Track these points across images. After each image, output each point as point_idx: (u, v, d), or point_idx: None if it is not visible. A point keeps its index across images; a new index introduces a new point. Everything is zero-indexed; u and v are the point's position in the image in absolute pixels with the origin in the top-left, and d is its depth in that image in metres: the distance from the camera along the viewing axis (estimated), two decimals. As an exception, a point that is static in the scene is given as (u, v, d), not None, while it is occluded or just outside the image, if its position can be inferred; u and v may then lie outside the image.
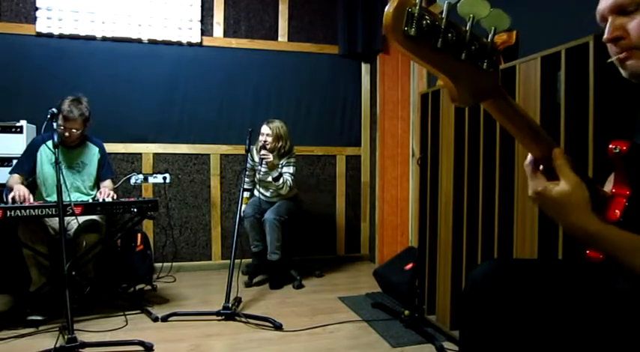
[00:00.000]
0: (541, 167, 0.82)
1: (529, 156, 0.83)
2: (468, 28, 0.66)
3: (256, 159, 3.39)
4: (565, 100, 1.61)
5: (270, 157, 3.21)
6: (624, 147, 0.85)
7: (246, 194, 3.51)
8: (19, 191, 2.51)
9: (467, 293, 0.97)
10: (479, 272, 0.97)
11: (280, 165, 3.35)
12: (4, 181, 2.94)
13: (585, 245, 0.83)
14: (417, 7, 0.61)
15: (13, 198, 2.48)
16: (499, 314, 0.89)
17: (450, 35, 0.63)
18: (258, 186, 3.53)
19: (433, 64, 0.65)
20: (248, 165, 3.41)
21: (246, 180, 3.43)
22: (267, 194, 3.51)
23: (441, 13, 0.64)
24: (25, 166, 2.77)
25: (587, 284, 0.92)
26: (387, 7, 0.61)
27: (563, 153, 0.80)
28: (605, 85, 1.49)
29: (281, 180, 3.30)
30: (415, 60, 0.64)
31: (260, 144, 3.31)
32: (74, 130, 2.75)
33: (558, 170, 0.79)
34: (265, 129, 3.31)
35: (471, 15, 0.67)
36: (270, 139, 3.28)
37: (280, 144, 3.32)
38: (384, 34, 0.62)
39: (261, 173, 3.38)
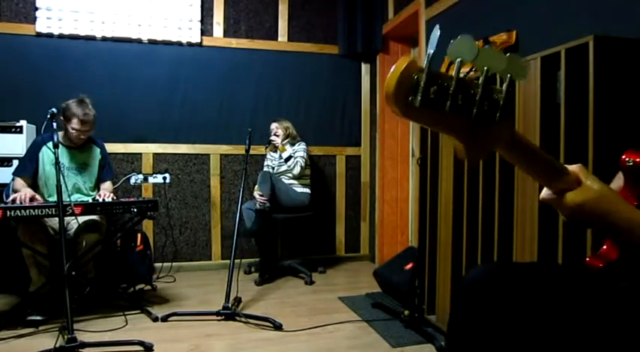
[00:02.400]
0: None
1: (544, 190, 0.80)
2: (480, 82, 0.60)
3: (272, 155, 3.78)
4: (565, 100, 1.61)
5: (278, 140, 3.64)
6: (638, 160, 0.83)
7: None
8: (23, 194, 2.51)
9: (459, 296, 0.95)
10: (473, 275, 0.95)
11: (294, 151, 3.61)
12: (3, 181, 2.94)
13: (631, 234, 0.78)
14: (424, 75, 0.55)
15: (14, 200, 2.48)
16: (491, 319, 0.88)
17: (460, 96, 0.58)
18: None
19: (439, 127, 0.61)
20: (267, 162, 3.81)
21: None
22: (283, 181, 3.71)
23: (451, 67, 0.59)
24: (29, 168, 2.77)
25: (585, 286, 0.91)
26: (390, 73, 0.56)
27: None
28: (605, 85, 1.49)
29: (292, 160, 3.56)
30: (421, 125, 0.61)
31: (272, 136, 3.70)
32: (88, 131, 2.78)
33: (579, 176, 0.77)
34: (273, 124, 3.72)
35: (486, 68, 0.61)
36: (279, 131, 3.67)
37: (288, 132, 3.70)
38: (385, 101, 0.57)
39: (275, 164, 3.70)
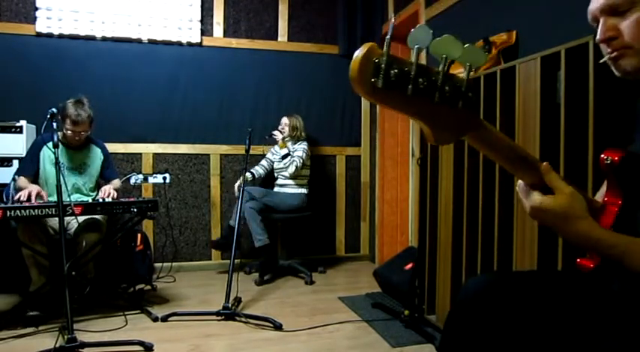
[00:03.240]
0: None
1: (520, 181, 0.83)
2: (440, 69, 0.63)
3: (276, 149, 3.76)
4: (565, 100, 1.61)
5: (279, 136, 3.62)
6: (616, 158, 0.85)
7: (249, 175, 3.68)
8: (29, 191, 2.52)
9: (456, 309, 0.96)
10: (470, 287, 0.96)
11: (293, 149, 3.59)
12: (3, 181, 2.94)
13: (588, 250, 0.83)
14: (385, 58, 0.59)
15: (20, 197, 2.50)
16: (488, 331, 0.88)
17: (420, 80, 0.61)
18: (264, 173, 3.79)
19: (405, 111, 0.63)
20: (269, 155, 3.81)
21: (255, 167, 3.77)
22: (278, 181, 3.70)
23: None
24: (30, 168, 2.78)
25: (582, 293, 0.91)
26: (354, 56, 0.59)
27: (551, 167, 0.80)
28: (604, 85, 1.49)
29: (288, 158, 3.55)
30: (386, 108, 0.63)
31: (275, 130, 3.68)
32: (82, 133, 2.77)
33: (551, 183, 0.79)
34: (284, 119, 3.70)
35: (444, 56, 0.64)
36: (287, 129, 3.65)
37: (295, 133, 3.66)
38: (352, 85, 0.60)
39: (276, 159, 3.70)
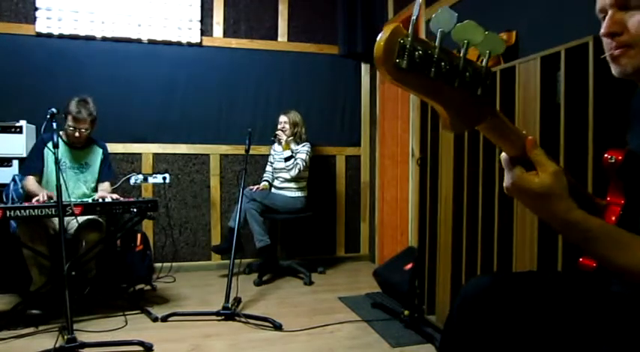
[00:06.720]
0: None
1: (504, 154, 0.80)
2: (461, 54, 0.63)
3: (275, 148, 3.73)
4: (565, 100, 1.61)
5: (284, 136, 3.56)
6: (620, 157, 0.84)
7: (267, 183, 3.76)
8: (43, 197, 2.52)
9: (457, 310, 0.95)
10: (470, 288, 0.95)
11: (296, 151, 3.56)
12: (3, 181, 2.94)
13: (564, 234, 0.79)
14: (410, 39, 0.58)
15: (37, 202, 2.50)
16: (488, 333, 0.88)
17: (443, 64, 0.61)
18: (273, 178, 3.76)
19: (425, 94, 0.63)
20: (271, 151, 3.80)
21: (265, 174, 3.83)
22: (277, 183, 3.68)
23: (434, 40, 0.62)
24: (37, 166, 2.80)
25: (582, 295, 0.91)
26: (378, 37, 0.59)
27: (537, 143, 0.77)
28: (604, 85, 1.49)
29: (292, 161, 3.51)
30: (407, 90, 0.62)
31: (278, 131, 3.63)
32: (83, 130, 2.78)
33: (535, 159, 0.76)
34: (283, 117, 3.66)
35: (466, 41, 0.65)
36: (287, 126, 3.62)
37: (296, 130, 3.64)
38: (375, 65, 0.60)
39: (276, 159, 3.68)
